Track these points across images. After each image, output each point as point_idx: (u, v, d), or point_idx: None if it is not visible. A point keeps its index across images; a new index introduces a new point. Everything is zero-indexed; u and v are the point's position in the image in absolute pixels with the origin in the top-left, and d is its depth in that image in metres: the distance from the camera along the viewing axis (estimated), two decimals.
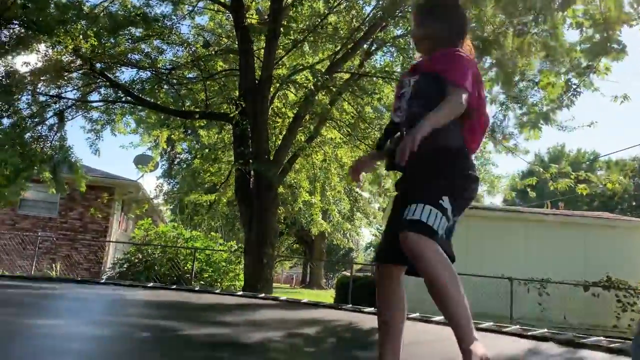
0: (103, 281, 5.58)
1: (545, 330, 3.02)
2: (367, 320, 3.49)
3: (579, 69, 5.85)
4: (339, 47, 9.54)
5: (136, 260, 12.85)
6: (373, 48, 10.04)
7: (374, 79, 9.77)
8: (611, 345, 2.54)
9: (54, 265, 13.77)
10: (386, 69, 10.10)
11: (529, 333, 2.92)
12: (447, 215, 1.94)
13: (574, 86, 5.60)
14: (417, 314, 3.49)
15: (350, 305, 3.71)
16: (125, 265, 12.88)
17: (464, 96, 2.00)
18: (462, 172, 2.09)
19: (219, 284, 12.69)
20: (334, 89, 9.28)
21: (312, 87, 8.59)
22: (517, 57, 6.22)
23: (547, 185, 9.57)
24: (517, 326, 3.13)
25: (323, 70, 9.09)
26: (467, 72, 2.06)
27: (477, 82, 2.11)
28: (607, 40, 5.32)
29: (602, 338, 2.79)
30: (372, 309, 4.02)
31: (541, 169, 9.84)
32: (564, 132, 9.03)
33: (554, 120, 5.99)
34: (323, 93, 9.23)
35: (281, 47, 9.64)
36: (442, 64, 2.12)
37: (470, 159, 2.18)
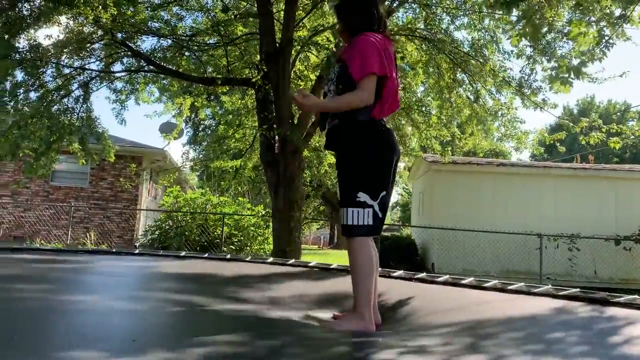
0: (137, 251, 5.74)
1: (578, 289, 3.00)
2: (394, 285, 3.51)
3: (612, 19, 5.60)
4: None
5: (167, 227, 13.14)
6: (395, 5, 9.77)
7: (397, 37, 9.54)
8: None
9: (88, 234, 14.16)
10: (409, 26, 9.86)
11: (560, 293, 2.90)
12: (368, 204, 2.32)
13: (607, 37, 5.37)
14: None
15: (381, 269, 3.73)
16: (157, 233, 13.18)
17: (364, 94, 2.33)
18: (374, 150, 2.38)
19: (248, 249, 12.92)
20: None
21: (333, 48, 8.43)
22: (545, 7, 5.99)
23: (577, 138, 9.35)
24: (549, 286, 3.12)
25: None
26: (368, 58, 2.33)
27: (384, 58, 2.36)
28: None
29: (637, 296, 2.76)
30: (401, 272, 4.04)
31: (571, 123, 9.58)
32: (595, 84, 8.76)
33: (585, 74, 5.79)
34: None
35: (301, 7, 9.46)
36: (348, 52, 2.45)
37: (383, 130, 2.45)
